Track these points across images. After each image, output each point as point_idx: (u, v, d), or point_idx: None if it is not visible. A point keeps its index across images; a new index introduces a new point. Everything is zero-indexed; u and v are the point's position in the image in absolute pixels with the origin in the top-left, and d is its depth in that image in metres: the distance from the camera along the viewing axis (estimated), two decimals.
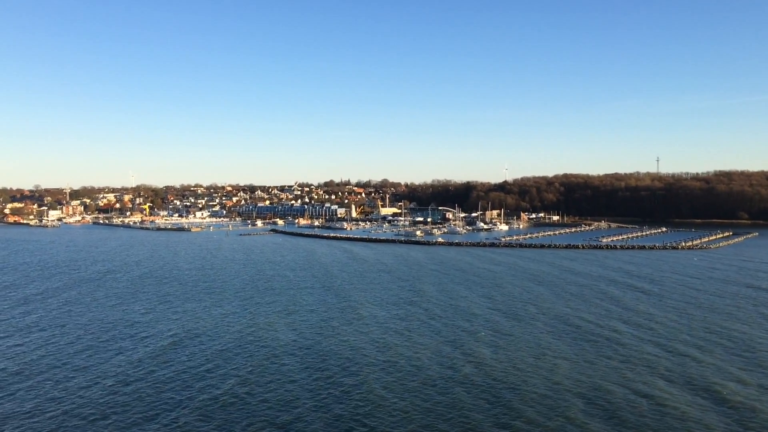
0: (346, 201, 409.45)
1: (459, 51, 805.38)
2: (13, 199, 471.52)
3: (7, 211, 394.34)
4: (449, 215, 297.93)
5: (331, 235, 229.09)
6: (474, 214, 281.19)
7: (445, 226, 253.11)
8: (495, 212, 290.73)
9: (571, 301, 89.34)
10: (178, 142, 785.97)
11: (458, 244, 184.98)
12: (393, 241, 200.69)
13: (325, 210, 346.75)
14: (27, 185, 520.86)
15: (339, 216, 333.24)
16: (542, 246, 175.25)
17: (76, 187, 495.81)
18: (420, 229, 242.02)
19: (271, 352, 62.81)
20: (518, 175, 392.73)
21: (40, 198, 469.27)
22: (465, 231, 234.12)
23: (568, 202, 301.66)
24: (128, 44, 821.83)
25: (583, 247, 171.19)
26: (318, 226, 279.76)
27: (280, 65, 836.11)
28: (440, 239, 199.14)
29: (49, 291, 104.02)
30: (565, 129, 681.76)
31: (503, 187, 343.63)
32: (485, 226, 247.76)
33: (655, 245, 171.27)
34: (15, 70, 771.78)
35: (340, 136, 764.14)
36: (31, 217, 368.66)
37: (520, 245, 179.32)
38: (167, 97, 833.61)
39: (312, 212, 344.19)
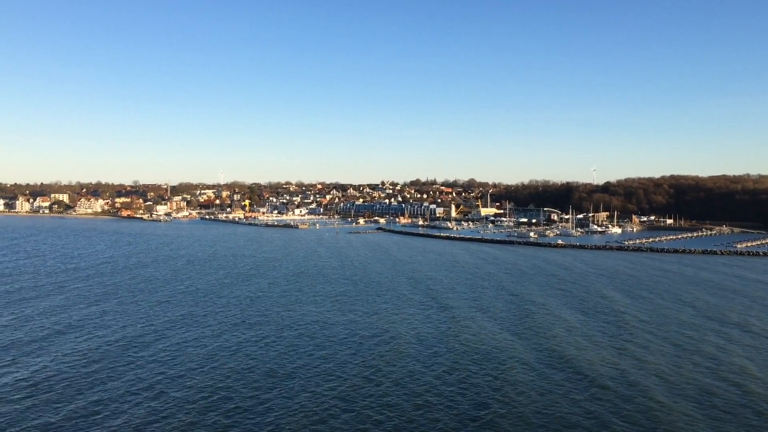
0: (440, 200, 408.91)
1: (543, 49, 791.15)
2: (119, 194, 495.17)
3: (118, 205, 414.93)
4: (554, 216, 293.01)
5: (443, 235, 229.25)
6: (580, 216, 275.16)
7: (555, 228, 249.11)
8: (604, 214, 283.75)
9: None
10: (263, 141, 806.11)
11: (582, 247, 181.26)
12: (511, 242, 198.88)
13: (424, 209, 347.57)
14: (127, 180, 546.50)
15: (438, 215, 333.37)
16: (675, 251, 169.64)
17: (172, 183, 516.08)
18: (533, 230, 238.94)
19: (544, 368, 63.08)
20: (607, 176, 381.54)
21: (143, 193, 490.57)
22: (578, 233, 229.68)
23: (679, 204, 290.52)
24: (217, 45, 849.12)
25: (722, 253, 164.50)
26: (422, 225, 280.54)
27: (368, 64, 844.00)
28: (560, 241, 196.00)
29: (290, 290, 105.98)
30: (666, 129, 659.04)
31: (607, 188, 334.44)
32: (599, 229, 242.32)
33: None
34: (116, 75, 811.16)
35: (420, 136, 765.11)
36: (141, 211, 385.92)
37: (652, 249, 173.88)
38: (255, 98, 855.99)
39: (411, 211, 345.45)
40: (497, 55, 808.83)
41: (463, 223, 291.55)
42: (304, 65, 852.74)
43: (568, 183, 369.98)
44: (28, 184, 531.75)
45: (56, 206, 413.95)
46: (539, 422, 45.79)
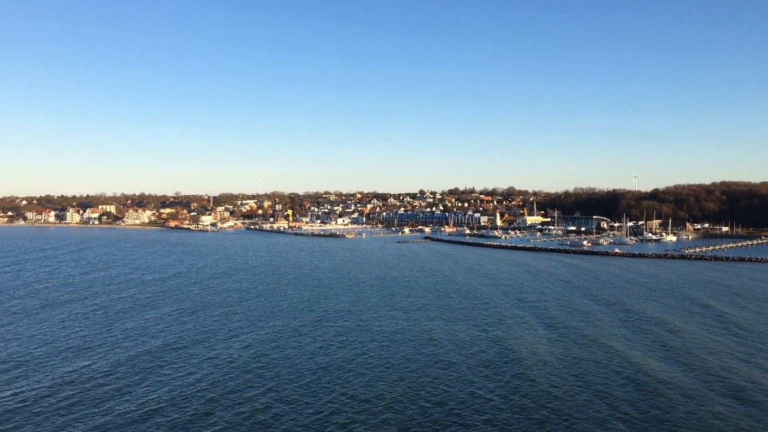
0: (481, 209, 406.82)
1: (579, 56, 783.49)
2: (163, 205, 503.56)
3: (164, 216, 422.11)
4: (603, 224, 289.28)
5: (494, 243, 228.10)
6: (630, 224, 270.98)
7: (607, 236, 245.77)
8: (656, 222, 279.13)
9: None
10: (299, 151, 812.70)
11: (642, 256, 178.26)
12: (566, 251, 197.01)
13: (468, 218, 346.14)
14: (169, 191, 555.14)
15: (483, 224, 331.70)
16: (741, 259, 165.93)
17: (213, 194, 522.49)
18: (586, 238, 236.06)
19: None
20: (648, 183, 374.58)
21: (187, 204, 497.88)
22: (633, 241, 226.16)
23: (732, 211, 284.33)
24: (255, 56, 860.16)
25: None
26: (468, 234, 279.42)
27: (398, 72, 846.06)
28: (617, 249, 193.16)
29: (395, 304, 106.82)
30: (710, 134, 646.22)
31: (655, 195, 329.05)
32: (653, 237, 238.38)
33: None
34: (154, 88, 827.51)
35: (456, 144, 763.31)
36: (187, 222, 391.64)
37: (716, 258, 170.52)
38: (289, 109, 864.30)
39: (455, 220, 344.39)
40: (530, 63, 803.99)
41: (509, 231, 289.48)
42: (334, 74, 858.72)
43: (614, 190, 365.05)
44: (74, 196, 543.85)
45: (105, 217, 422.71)
46: None
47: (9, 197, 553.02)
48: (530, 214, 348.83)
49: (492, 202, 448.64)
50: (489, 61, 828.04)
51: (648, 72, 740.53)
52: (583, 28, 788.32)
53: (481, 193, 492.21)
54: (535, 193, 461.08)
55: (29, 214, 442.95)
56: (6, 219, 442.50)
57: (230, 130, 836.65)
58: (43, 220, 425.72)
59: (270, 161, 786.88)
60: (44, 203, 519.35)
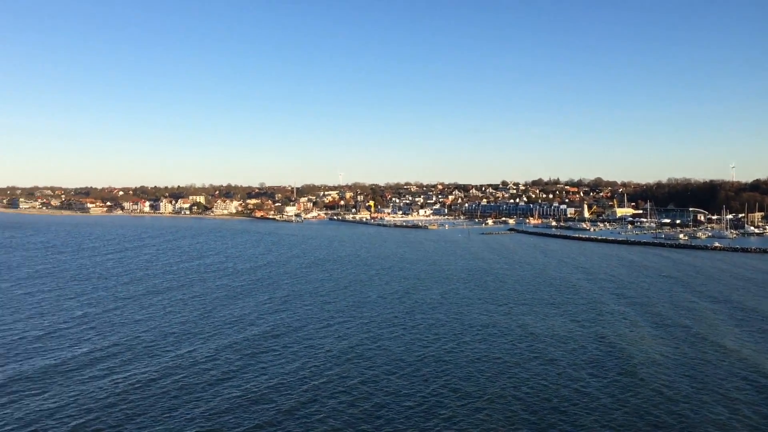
0: (567, 200, 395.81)
1: (659, 45, 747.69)
2: (249, 196, 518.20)
3: (250, 206, 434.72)
4: (700, 217, 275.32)
5: (583, 236, 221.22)
6: (730, 216, 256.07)
7: (705, 229, 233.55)
8: (759, 214, 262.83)
9: None
10: (380, 142, 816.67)
11: (745, 250, 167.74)
12: (661, 245, 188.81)
13: (554, 209, 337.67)
14: (254, 183, 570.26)
15: (569, 216, 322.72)
16: None
17: (296, 185, 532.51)
18: (682, 231, 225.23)
19: None
20: (747, 174, 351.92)
21: (271, 195, 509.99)
22: (733, 235, 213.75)
23: None
24: (332, 47, 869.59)
25: None
26: (555, 226, 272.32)
27: (479, 62, 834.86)
28: (717, 243, 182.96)
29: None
30: None
31: (757, 186, 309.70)
32: (755, 230, 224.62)
33: None
34: (237, 83, 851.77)
35: (539, 134, 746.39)
36: (272, 213, 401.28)
37: None
38: (371, 99, 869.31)
39: (540, 212, 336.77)
40: (618, 48, 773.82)
41: (598, 223, 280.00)
42: (413, 64, 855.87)
43: (711, 181, 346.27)
44: (167, 187, 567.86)
45: (195, 207, 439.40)
46: None
47: (107, 188, 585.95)
48: (620, 205, 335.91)
49: (578, 193, 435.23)
50: (571, 49, 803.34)
51: (753, 54, 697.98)
52: (681, 6, 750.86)
53: (566, 184, 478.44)
54: (624, 184, 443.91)
55: (126, 205, 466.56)
56: (105, 209, 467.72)
57: (312, 122, 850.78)
58: (138, 210, 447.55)
59: (351, 153, 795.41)
60: (139, 194, 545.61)
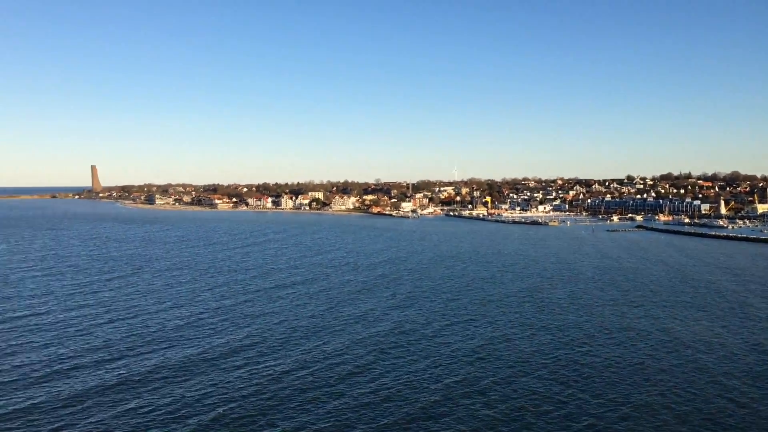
0: (700, 196, 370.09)
1: None
2: (365, 192, 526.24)
3: (367, 202, 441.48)
4: None
5: (721, 234, 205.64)
6: None
7: None
8: None
9: None
10: (495, 137, 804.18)
11: None
12: None
13: (686, 205, 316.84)
14: (370, 179, 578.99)
15: (703, 212, 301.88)
16: None
17: (412, 181, 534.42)
18: None
19: None
20: None
21: (387, 191, 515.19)
22: None
23: None
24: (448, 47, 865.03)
25: None
26: (687, 223, 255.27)
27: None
28: None
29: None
30: None
31: None
32: None
33: None
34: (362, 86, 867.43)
35: (665, 126, 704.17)
36: (389, 208, 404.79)
37: None
38: (488, 94, 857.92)
39: (671, 208, 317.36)
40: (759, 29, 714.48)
41: (737, 221, 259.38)
42: (530, 59, 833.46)
43: None
44: (287, 184, 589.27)
45: (314, 203, 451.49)
46: None
47: (233, 185, 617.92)
48: (761, 201, 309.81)
49: (713, 188, 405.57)
50: (712, 29, 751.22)
51: None
52: None
53: (698, 179, 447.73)
54: (764, 178, 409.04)
55: (250, 201, 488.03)
56: (231, 205, 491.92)
57: (426, 118, 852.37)
58: (261, 206, 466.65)
59: (465, 148, 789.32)
60: (261, 190, 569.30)
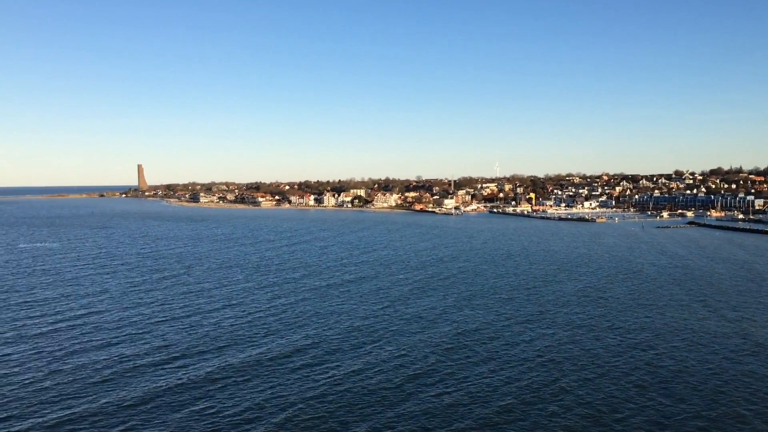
0: (753, 190, 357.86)
1: None
2: (407, 189, 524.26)
3: (409, 199, 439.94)
4: None
5: None
6: None
7: None
8: None
9: None
10: (536, 132, 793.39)
11: None
12: None
13: (739, 201, 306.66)
14: (411, 176, 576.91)
15: (758, 207, 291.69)
16: None
17: (454, 178, 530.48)
18: None
19: None
20: None
21: (429, 188, 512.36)
22: None
23: None
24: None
25: None
26: (742, 219, 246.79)
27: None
28: None
29: None
30: None
31: None
32: None
33: None
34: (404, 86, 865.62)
35: (715, 119, 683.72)
36: (431, 205, 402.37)
37: None
38: (528, 90, 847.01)
39: (723, 203, 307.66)
40: None
41: None
42: (580, 52, 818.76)
43: None
44: (328, 181, 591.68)
45: (356, 201, 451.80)
46: None
47: (275, 183, 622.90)
48: None
49: (766, 182, 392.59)
50: (747, 19, 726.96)
51: None
52: None
53: (751, 173, 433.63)
54: None
55: (293, 198, 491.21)
56: (274, 202, 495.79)
57: (466, 114, 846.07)
58: (304, 204, 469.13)
59: (507, 144, 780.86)
60: (303, 188, 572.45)
